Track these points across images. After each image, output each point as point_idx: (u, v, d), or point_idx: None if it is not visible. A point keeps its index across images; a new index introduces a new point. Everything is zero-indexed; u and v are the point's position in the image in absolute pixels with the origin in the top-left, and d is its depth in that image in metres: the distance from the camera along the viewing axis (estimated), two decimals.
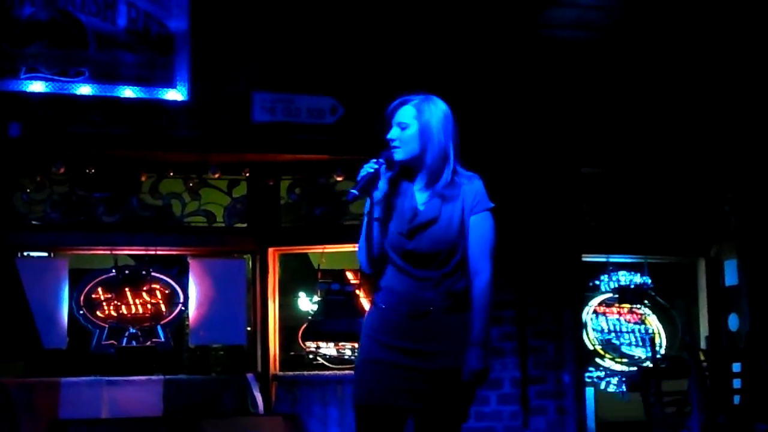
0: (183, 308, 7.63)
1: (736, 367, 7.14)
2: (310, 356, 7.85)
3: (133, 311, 7.59)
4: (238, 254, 7.81)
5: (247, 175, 7.56)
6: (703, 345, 8.17)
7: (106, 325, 7.50)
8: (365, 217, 3.54)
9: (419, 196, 3.52)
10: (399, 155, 3.48)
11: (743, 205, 8.07)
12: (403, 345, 3.44)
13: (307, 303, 8.38)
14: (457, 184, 3.50)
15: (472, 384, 3.45)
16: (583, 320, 8.16)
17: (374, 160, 3.45)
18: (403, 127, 3.48)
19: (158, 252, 7.62)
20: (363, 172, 3.43)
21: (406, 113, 3.50)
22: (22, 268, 7.02)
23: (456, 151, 3.51)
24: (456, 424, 3.50)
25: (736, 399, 7.05)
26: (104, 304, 7.54)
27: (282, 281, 7.77)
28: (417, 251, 3.45)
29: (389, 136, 3.50)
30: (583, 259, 7.71)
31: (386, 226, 3.47)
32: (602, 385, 8.14)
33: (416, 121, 3.48)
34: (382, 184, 3.46)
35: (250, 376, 7.29)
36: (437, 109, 3.52)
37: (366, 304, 7.73)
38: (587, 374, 7.90)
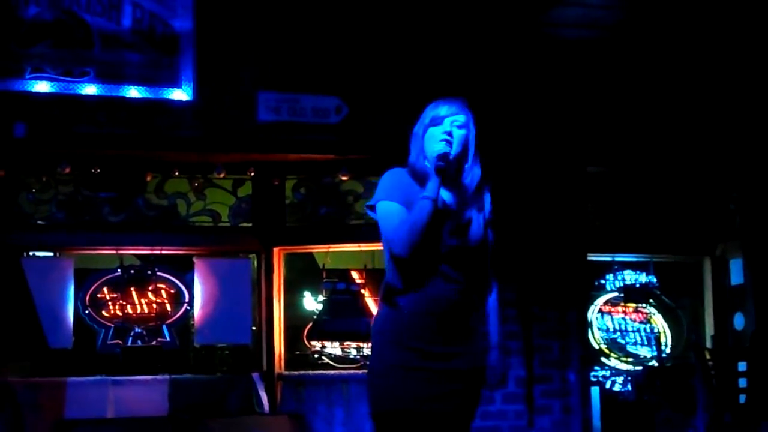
0: (188, 308, 7.64)
1: (742, 366, 7.13)
2: (315, 356, 7.85)
3: (139, 311, 7.61)
4: (243, 254, 7.83)
5: (252, 174, 7.56)
6: (708, 344, 8.17)
7: (112, 325, 7.52)
8: (390, 203, 3.46)
9: (450, 198, 3.51)
10: (452, 150, 3.47)
11: (749, 204, 8.05)
12: (433, 349, 3.41)
13: (312, 302, 8.38)
14: (481, 192, 3.57)
15: (497, 386, 3.56)
16: (589, 319, 8.16)
17: (444, 142, 3.43)
18: (458, 125, 3.49)
19: (163, 252, 7.64)
20: (441, 150, 3.40)
21: (462, 116, 3.51)
22: (28, 268, 7.07)
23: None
24: (470, 423, 3.53)
25: (742, 398, 7.05)
26: (110, 303, 7.56)
27: (287, 281, 7.77)
28: (460, 249, 3.45)
29: (445, 129, 3.47)
30: (589, 258, 7.70)
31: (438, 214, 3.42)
32: (608, 385, 8.14)
33: (467, 126, 3.52)
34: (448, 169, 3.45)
35: (255, 375, 7.30)
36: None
37: (372, 304, 7.74)
38: (593, 373, 7.90)
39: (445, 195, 3.48)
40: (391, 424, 3.45)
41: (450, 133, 3.47)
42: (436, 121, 3.50)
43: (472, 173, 3.53)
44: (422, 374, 3.40)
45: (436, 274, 3.43)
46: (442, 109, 3.51)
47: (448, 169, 3.41)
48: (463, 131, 3.50)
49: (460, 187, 3.53)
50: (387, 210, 3.48)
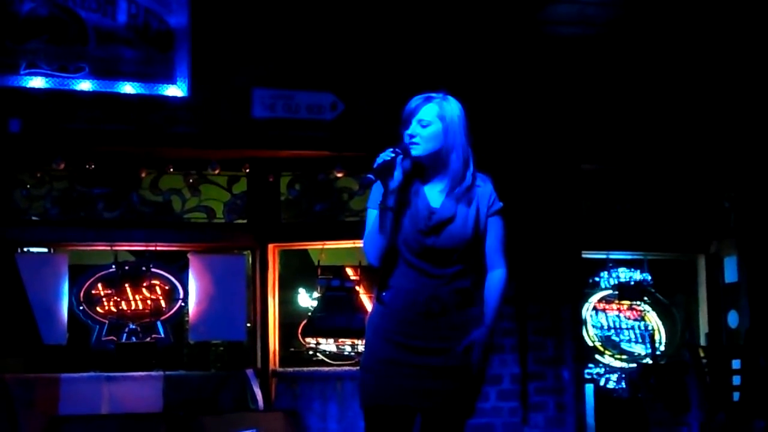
0: (183, 304, 7.63)
1: (736, 363, 7.14)
2: (310, 352, 7.85)
3: (133, 307, 7.60)
4: (238, 250, 7.82)
5: (247, 171, 7.56)
6: (702, 342, 8.18)
7: (106, 321, 7.50)
8: (370, 211, 3.51)
9: (433, 195, 3.50)
10: (417, 151, 3.45)
11: (743, 202, 8.06)
12: (415, 344, 3.43)
13: (306, 299, 8.38)
14: (473, 186, 3.52)
15: (471, 362, 3.46)
16: (583, 317, 8.17)
17: (392, 149, 3.41)
18: (424, 124, 3.46)
19: (158, 248, 7.62)
20: (380, 159, 3.39)
21: (429, 111, 3.48)
22: (22, 263, 7.05)
23: (473, 152, 3.54)
24: (464, 420, 3.54)
25: (736, 396, 7.06)
26: (104, 299, 7.54)
27: (282, 277, 7.77)
28: (435, 247, 3.44)
29: (409, 131, 3.46)
30: (583, 256, 7.71)
31: (400, 220, 3.44)
32: (602, 382, 8.15)
33: (439, 119, 3.47)
34: (398, 174, 3.42)
35: (249, 372, 7.29)
36: (458, 109, 3.52)
37: (366, 301, 7.74)
38: (587, 371, 7.90)
39: (433, 196, 3.49)
40: (378, 418, 3.46)
41: (414, 135, 3.46)
42: (405, 123, 3.50)
43: (453, 166, 3.48)
44: (406, 369, 3.41)
45: (416, 270, 3.45)
46: (409, 108, 3.51)
47: (385, 179, 3.40)
48: (430, 128, 3.46)
49: (443, 183, 3.51)
50: (368, 219, 3.54)
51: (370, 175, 3.41)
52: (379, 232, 3.41)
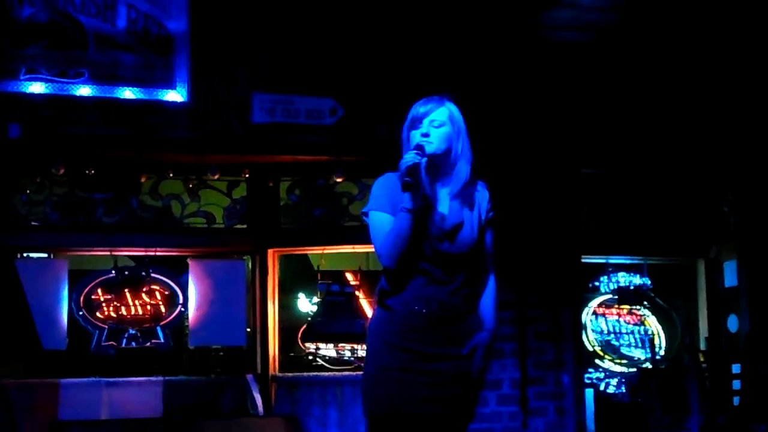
0: (182, 309, 7.63)
1: (736, 368, 7.14)
2: (310, 357, 7.85)
3: (133, 312, 7.59)
4: (237, 255, 7.81)
5: (247, 176, 7.56)
6: (702, 346, 8.18)
7: (106, 326, 7.50)
8: (377, 213, 3.48)
9: (439, 198, 3.50)
10: (430, 148, 3.44)
11: (743, 206, 8.07)
12: (426, 350, 3.42)
13: (306, 304, 8.38)
14: (475, 190, 3.55)
15: (479, 366, 3.48)
16: (583, 321, 8.17)
17: (414, 151, 3.40)
18: (437, 125, 3.47)
19: (158, 253, 7.62)
20: (408, 162, 3.37)
21: (441, 113, 3.49)
22: (22, 269, 6.94)
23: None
24: (467, 425, 3.54)
25: (736, 400, 7.06)
26: (104, 305, 7.54)
27: (281, 282, 7.78)
28: (450, 253, 3.45)
29: (423, 131, 3.46)
30: (583, 260, 7.71)
31: (420, 223, 3.42)
32: (602, 386, 8.15)
33: (450, 122, 3.50)
34: (423, 176, 3.43)
35: (249, 377, 7.29)
36: (460, 115, 3.54)
37: (366, 306, 7.74)
38: (587, 375, 7.90)
39: (439, 198, 3.48)
40: (385, 426, 3.45)
41: (427, 135, 3.45)
42: (415, 123, 3.49)
43: (459, 170, 3.50)
44: (414, 376, 3.40)
45: (426, 276, 3.43)
46: (420, 109, 3.50)
47: (418, 182, 3.38)
48: (443, 129, 3.47)
49: (448, 187, 3.51)
50: (375, 221, 3.50)
51: (407, 178, 3.36)
52: (408, 236, 3.37)
